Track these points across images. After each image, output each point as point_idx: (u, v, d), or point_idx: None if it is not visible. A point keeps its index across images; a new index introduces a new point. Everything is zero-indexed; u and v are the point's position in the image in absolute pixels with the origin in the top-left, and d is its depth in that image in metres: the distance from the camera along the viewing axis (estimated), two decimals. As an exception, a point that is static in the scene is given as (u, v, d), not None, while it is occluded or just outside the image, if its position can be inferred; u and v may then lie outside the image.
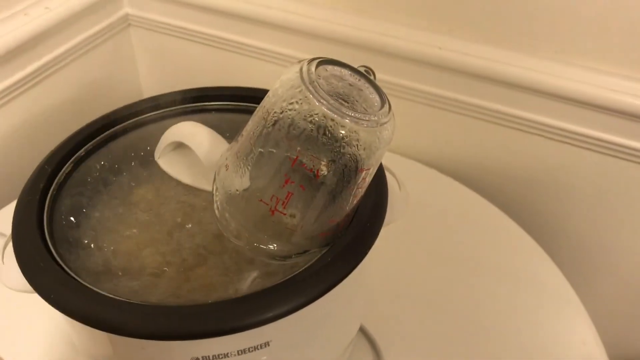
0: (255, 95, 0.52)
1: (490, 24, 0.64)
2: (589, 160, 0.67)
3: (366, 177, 0.37)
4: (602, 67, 0.62)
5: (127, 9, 0.85)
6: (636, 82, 0.60)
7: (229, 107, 0.52)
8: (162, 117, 0.51)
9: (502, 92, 0.66)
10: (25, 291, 0.41)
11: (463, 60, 0.65)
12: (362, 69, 0.40)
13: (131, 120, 0.50)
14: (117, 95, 0.90)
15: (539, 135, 0.68)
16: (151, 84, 0.94)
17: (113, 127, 0.50)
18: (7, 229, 0.66)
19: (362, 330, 0.55)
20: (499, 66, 0.64)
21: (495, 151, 0.72)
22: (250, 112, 0.52)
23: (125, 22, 0.86)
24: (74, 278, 0.38)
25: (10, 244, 0.43)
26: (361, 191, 0.38)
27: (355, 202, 0.39)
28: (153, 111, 0.51)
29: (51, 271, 0.38)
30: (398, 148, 0.78)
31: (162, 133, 0.48)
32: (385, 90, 0.38)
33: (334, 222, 0.38)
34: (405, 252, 0.65)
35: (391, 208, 0.44)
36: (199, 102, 0.52)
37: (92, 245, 0.43)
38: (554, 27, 0.61)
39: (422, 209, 0.63)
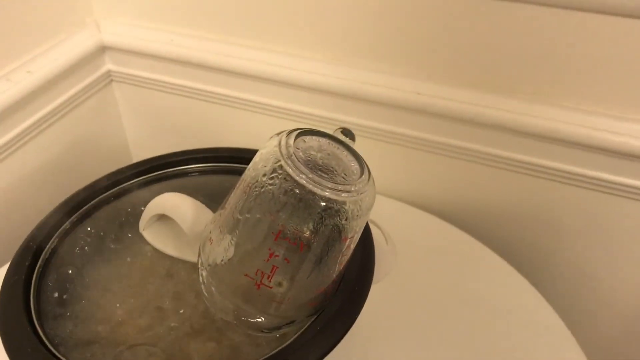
0: (239, 156, 0.52)
1: (468, 68, 0.65)
2: (576, 196, 0.68)
3: (350, 244, 0.38)
4: (580, 106, 0.63)
5: (108, 66, 0.85)
6: (616, 119, 0.61)
7: (212, 168, 0.53)
8: (146, 183, 0.52)
9: (482, 133, 0.66)
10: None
11: (442, 104, 0.66)
12: (339, 132, 0.40)
13: (115, 189, 0.51)
14: (104, 151, 0.90)
15: (522, 173, 0.68)
16: (138, 138, 0.94)
17: (96, 197, 0.50)
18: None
19: (358, 386, 0.55)
20: (477, 108, 0.65)
21: (478, 189, 0.73)
22: (234, 172, 0.53)
23: (108, 78, 0.87)
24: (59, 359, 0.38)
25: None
26: (346, 258, 0.38)
27: (341, 268, 0.39)
28: (136, 178, 0.52)
29: (37, 352, 0.38)
30: (381, 189, 0.78)
31: (147, 199, 0.48)
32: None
33: (321, 290, 0.38)
34: (397, 299, 0.64)
35: (379, 265, 0.44)
36: (181, 165, 0.52)
37: (81, 319, 0.42)
38: (531, 68, 0.62)
39: (409, 251, 0.63)
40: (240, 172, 0.39)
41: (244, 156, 0.52)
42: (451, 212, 0.76)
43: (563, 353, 0.60)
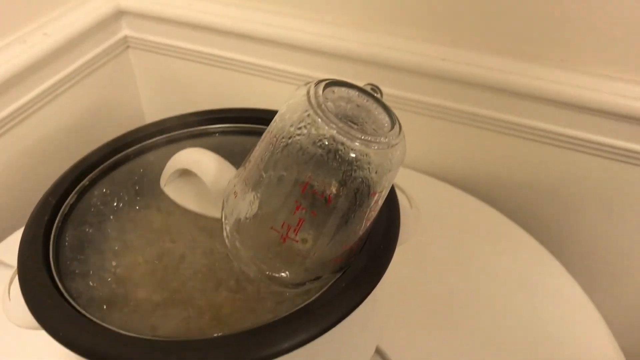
0: (259, 117, 0.51)
1: (494, 34, 0.63)
2: (599, 166, 0.66)
3: (378, 199, 0.37)
4: (608, 73, 0.61)
5: (125, 31, 0.84)
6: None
7: (233, 129, 0.52)
8: (166, 142, 0.51)
9: (507, 101, 0.65)
10: (32, 328, 0.40)
11: (467, 71, 0.64)
12: (368, 87, 0.39)
13: (134, 147, 0.50)
14: (119, 118, 0.90)
15: (548, 143, 0.67)
16: (152, 105, 0.93)
17: (116, 154, 0.49)
18: (11, 260, 0.65)
19: (378, 352, 0.54)
20: (503, 75, 0.63)
21: (503, 161, 0.71)
22: (254, 133, 0.52)
23: (125, 44, 0.86)
24: (82, 314, 0.37)
25: (16, 279, 0.42)
26: (374, 214, 0.37)
27: (367, 225, 0.38)
28: (156, 137, 0.51)
29: (58, 307, 0.37)
30: (405, 161, 0.77)
31: (167, 158, 0.47)
32: (389, 104, 0.37)
33: (347, 246, 0.37)
34: (418, 269, 0.64)
35: (403, 227, 0.43)
36: (202, 125, 0.51)
37: (99, 277, 0.42)
38: (559, 34, 0.61)
39: (432, 223, 0.62)
40: (260, 133, 0.38)
41: (265, 117, 0.51)
42: (474, 184, 0.75)
43: (588, 327, 0.59)
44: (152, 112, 0.94)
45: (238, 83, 0.82)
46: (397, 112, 0.37)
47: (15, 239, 0.69)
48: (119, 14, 0.82)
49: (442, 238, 0.67)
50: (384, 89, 0.69)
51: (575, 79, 0.61)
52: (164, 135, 0.50)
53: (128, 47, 0.86)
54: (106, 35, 0.82)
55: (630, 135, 0.62)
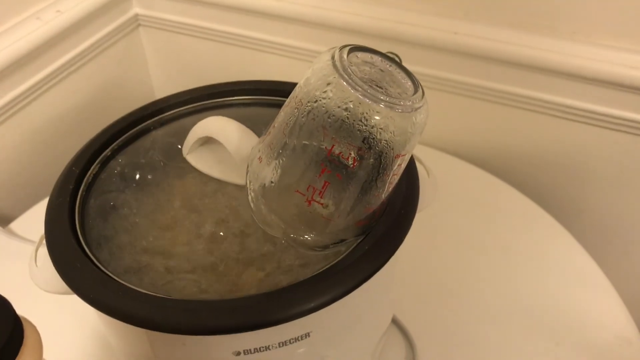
0: (277, 89, 0.52)
1: (505, 6, 0.63)
2: (611, 139, 0.67)
3: (402, 163, 0.37)
4: (621, 45, 0.61)
5: (136, 9, 0.85)
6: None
7: (251, 101, 0.52)
8: (186, 114, 0.51)
9: (520, 74, 0.65)
10: (61, 293, 0.41)
11: (480, 45, 0.65)
12: (389, 55, 0.39)
13: (155, 118, 0.50)
14: (130, 95, 0.90)
15: (559, 117, 0.67)
16: (162, 82, 0.94)
17: (137, 125, 0.50)
18: (31, 233, 0.66)
19: (395, 321, 0.55)
20: (515, 48, 0.64)
21: (515, 135, 0.72)
22: (272, 105, 0.52)
23: (135, 22, 0.86)
24: (111, 277, 0.38)
25: (41, 247, 0.43)
26: (396, 178, 0.38)
27: (390, 189, 0.38)
28: (176, 108, 0.51)
29: (88, 271, 0.38)
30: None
31: (186, 130, 0.48)
32: None
33: (370, 210, 0.38)
34: (433, 241, 0.64)
35: (422, 195, 0.43)
36: (221, 97, 0.52)
37: (125, 244, 0.43)
38: (570, 6, 0.61)
39: (446, 197, 0.62)
40: (278, 105, 0.39)
41: (283, 89, 0.51)
42: (486, 158, 0.76)
43: (600, 298, 0.59)
44: (163, 89, 0.95)
45: (248, 59, 0.83)
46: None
47: (30, 215, 0.70)
48: (130, -8, 0.82)
49: (455, 211, 0.68)
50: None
51: (587, 51, 0.62)
52: (184, 107, 0.51)
53: (139, 25, 0.87)
54: (117, 13, 0.82)
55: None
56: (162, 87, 0.94)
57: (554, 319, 0.58)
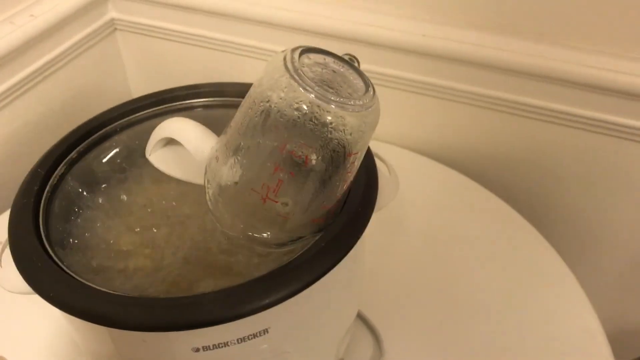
0: (240, 90, 0.53)
1: (471, 8, 0.65)
2: (579, 139, 0.68)
3: (355, 161, 0.38)
4: (582, 45, 0.63)
5: (112, 14, 0.85)
6: (619, 58, 0.61)
7: (215, 103, 0.53)
8: (150, 117, 0.52)
9: (487, 75, 0.67)
10: (24, 293, 0.41)
11: (448, 46, 0.66)
12: (346, 57, 0.40)
13: (120, 121, 0.51)
14: (107, 100, 0.91)
15: (525, 116, 0.68)
16: (139, 87, 0.94)
17: (103, 128, 0.50)
18: (3, 236, 0.66)
19: (360, 316, 0.56)
20: (481, 50, 0.65)
21: (483, 135, 0.73)
22: (236, 106, 0.53)
23: (111, 26, 0.86)
24: (72, 276, 0.39)
25: (7, 249, 0.43)
26: (350, 176, 0.39)
27: (345, 187, 0.39)
28: (140, 111, 0.52)
29: (49, 270, 0.39)
30: (385, 136, 0.79)
31: (151, 131, 0.49)
32: (371, 80, 0.39)
33: (326, 208, 0.39)
34: (399, 237, 0.65)
35: (382, 192, 0.44)
36: (185, 99, 0.53)
37: (88, 245, 0.43)
38: (535, 7, 0.62)
39: (411, 195, 0.64)
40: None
41: (245, 90, 0.52)
42: (454, 157, 0.77)
43: (568, 298, 0.60)
44: (140, 93, 0.94)
45: (225, 63, 0.83)
46: (377, 88, 0.38)
47: (4, 217, 0.70)
48: (106, -4, 0.83)
49: (422, 209, 0.69)
50: (365, 65, 0.71)
51: (552, 52, 0.63)
52: (149, 110, 0.52)
53: (115, 29, 0.87)
54: (93, 17, 0.83)
55: (604, 106, 0.64)
56: (140, 90, 0.95)
57: (520, 314, 0.59)
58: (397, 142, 0.78)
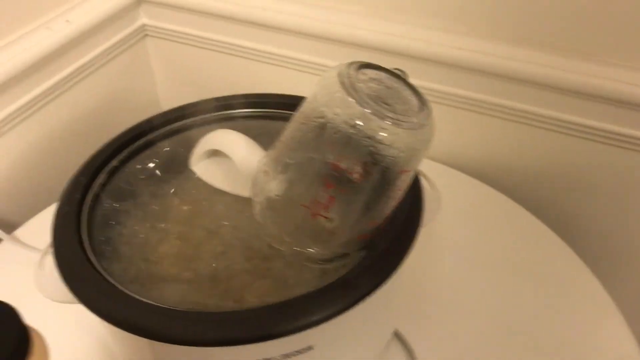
0: (284, 102, 0.52)
1: (507, 23, 0.64)
2: (613, 155, 0.67)
3: (406, 178, 0.38)
4: (620, 62, 0.62)
5: (143, 20, 0.85)
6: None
7: (259, 114, 0.53)
8: (193, 126, 0.52)
9: (522, 90, 0.66)
10: (66, 301, 0.41)
11: (484, 60, 0.65)
12: (396, 72, 0.40)
13: (162, 130, 0.51)
14: (136, 105, 0.91)
15: (563, 133, 0.67)
16: (168, 93, 0.94)
17: (145, 136, 0.50)
18: (36, 240, 0.66)
19: (396, 334, 0.55)
20: (518, 65, 0.64)
21: (518, 150, 0.72)
22: (279, 118, 0.53)
23: (142, 32, 0.87)
24: (116, 287, 0.39)
25: (47, 256, 0.43)
26: (400, 193, 0.39)
27: (394, 204, 0.39)
28: (183, 120, 0.52)
29: (94, 280, 0.39)
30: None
31: (193, 141, 0.49)
32: None
33: (374, 224, 0.38)
34: (435, 254, 0.65)
35: (426, 209, 0.44)
36: (229, 109, 0.53)
37: (130, 255, 0.43)
38: (573, 23, 0.62)
39: (450, 212, 0.63)
40: (286, 119, 0.39)
41: (292, 102, 0.52)
42: (489, 172, 0.76)
43: (601, 316, 0.59)
44: (168, 99, 0.95)
45: (254, 72, 0.83)
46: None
47: (34, 223, 0.70)
48: (138, 2, 0.83)
49: (457, 224, 0.68)
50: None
51: (588, 68, 0.62)
52: (191, 119, 0.51)
53: (146, 35, 0.87)
54: (125, 23, 0.83)
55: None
56: (168, 97, 0.95)
57: (554, 337, 0.58)
58: (429, 156, 0.78)
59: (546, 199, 0.75)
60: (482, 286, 0.62)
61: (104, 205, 0.46)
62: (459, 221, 0.68)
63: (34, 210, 0.71)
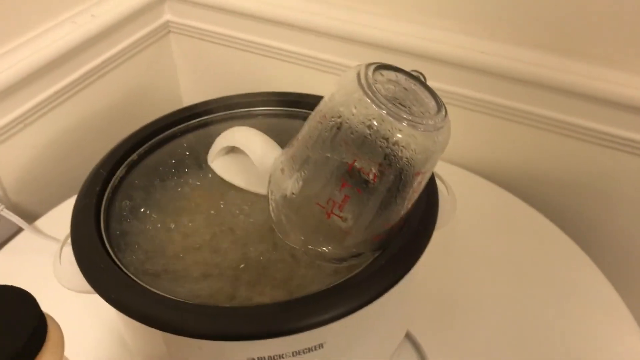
0: (301, 101, 0.53)
1: (533, 28, 0.64)
2: (632, 163, 0.66)
3: (422, 180, 0.38)
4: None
5: (167, 16, 0.86)
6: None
7: (276, 112, 0.53)
8: (212, 123, 0.52)
9: (546, 96, 0.65)
10: (83, 291, 0.42)
11: (507, 65, 0.65)
12: (413, 73, 0.40)
13: (181, 125, 0.51)
14: (158, 101, 0.92)
15: (586, 140, 0.67)
16: (190, 90, 0.95)
17: (164, 131, 0.51)
18: (56, 231, 0.67)
19: (408, 336, 0.55)
20: (542, 70, 0.64)
21: (538, 156, 0.72)
22: (296, 117, 0.53)
23: (166, 29, 0.88)
24: (132, 279, 0.39)
25: (66, 246, 0.44)
26: (416, 195, 0.39)
27: (409, 205, 0.39)
28: (202, 116, 0.52)
29: (111, 272, 0.39)
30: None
31: (212, 138, 0.49)
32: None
33: (389, 225, 0.39)
34: (449, 257, 0.64)
35: (441, 212, 0.44)
36: (247, 107, 0.53)
37: (147, 248, 0.44)
38: (600, 30, 0.61)
39: (465, 215, 0.62)
40: (304, 117, 0.39)
41: (310, 101, 0.52)
42: (508, 178, 0.75)
43: (617, 326, 0.59)
44: (190, 96, 0.96)
45: (277, 70, 0.84)
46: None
47: (55, 214, 0.71)
48: (163, -1, 0.84)
49: (473, 228, 0.68)
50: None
51: (618, 76, 0.62)
52: (210, 115, 0.52)
53: (169, 31, 0.88)
54: (149, 19, 0.84)
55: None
56: (190, 93, 0.96)
57: (566, 343, 0.57)
58: (449, 159, 0.78)
59: (562, 204, 0.74)
60: (495, 290, 0.62)
61: (123, 198, 0.46)
62: (474, 224, 0.68)
63: (56, 201, 0.73)
